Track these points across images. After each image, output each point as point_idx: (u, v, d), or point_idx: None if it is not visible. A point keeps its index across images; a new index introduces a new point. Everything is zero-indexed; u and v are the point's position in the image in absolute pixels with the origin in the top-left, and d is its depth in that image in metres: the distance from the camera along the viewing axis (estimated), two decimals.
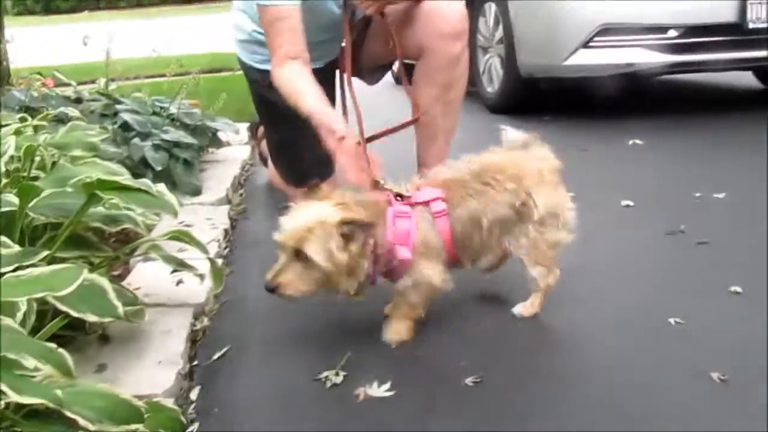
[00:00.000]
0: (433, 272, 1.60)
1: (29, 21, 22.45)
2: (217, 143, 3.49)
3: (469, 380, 1.44)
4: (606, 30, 3.98)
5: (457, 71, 2.35)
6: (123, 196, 1.47)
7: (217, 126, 3.41)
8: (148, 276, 2.01)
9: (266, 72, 2.24)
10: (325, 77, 2.48)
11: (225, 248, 2.35)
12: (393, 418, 1.34)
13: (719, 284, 1.83)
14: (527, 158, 1.74)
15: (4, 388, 1.01)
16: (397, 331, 1.65)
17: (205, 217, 2.60)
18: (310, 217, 1.50)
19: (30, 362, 1.08)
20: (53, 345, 1.14)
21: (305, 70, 2.07)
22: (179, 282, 1.97)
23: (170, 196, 1.57)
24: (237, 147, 3.86)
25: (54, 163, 1.93)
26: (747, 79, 4.90)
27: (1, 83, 3.38)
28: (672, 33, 3.95)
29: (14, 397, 1.02)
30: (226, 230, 2.49)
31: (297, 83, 2.03)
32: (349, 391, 1.43)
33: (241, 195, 3.01)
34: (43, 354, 1.10)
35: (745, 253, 2.05)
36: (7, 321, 1.14)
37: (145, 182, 1.53)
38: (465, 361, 1.52)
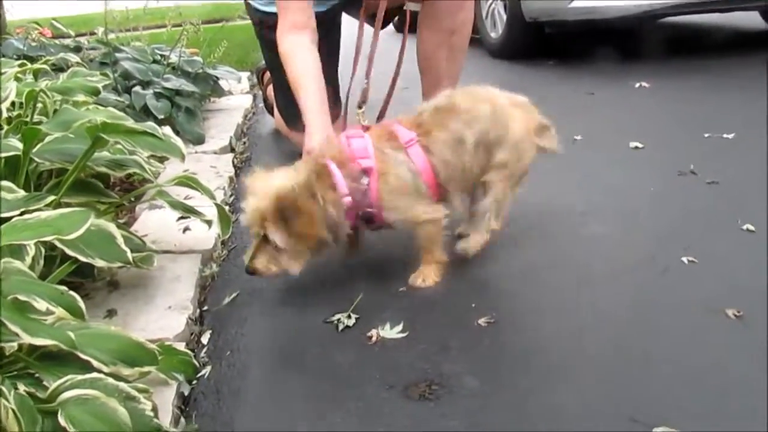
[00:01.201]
0: (415, 207, 1.58)
1: None
2: (219, 92, 3.45)
3: (482, 320, 1.43)
4: None
5: (461, 15, 2.30)
6: (129, 139, 1.44)
7: (219, 74, 3.37)
8: (154, 223, 2.00)
9: (272, 14, 2.20)
10: (329, 20, 2.44)
11: (230, 196, 2.33)
12: (406, 359, 1.33)
13: (731, 223, 1.81)
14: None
15: (17, 329, 1.00)
16: (422, 275, 1.64)
17: (209, 165, 2.58)
18: (262, 198, 1.50)
19: (41, 304, 1.06)
20: (64, 288, 1.13)
21: (311, 47, 2.05)
22: (186, 229, 1.96)
23: (177, 139, 1.55)
24: (239, 96, 3.82)
25: (56, 110, 1.90)
26: (751, 19, 4.82)
27: (2, 30, 3.32)
28: None
29: (27, 339, 1.01)
30: (230, 178, 2.47)
31: (298, 65, 2.01)
32: (362, 333, 1.42)
33: (244, 143, 2.98)
34: (54, 296, 1.09)
35: (755, 192, 2.03)
36: (16, 264, 1.13)
37: (150, 125, 1.50)
38: (476, 302, 1.51)
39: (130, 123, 1.52)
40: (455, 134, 1.59)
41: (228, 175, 2.47)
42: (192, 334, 1.52)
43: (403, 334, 1.41)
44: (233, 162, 2.66)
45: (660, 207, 1.99)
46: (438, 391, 1.23)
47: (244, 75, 3.84)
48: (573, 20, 4.16)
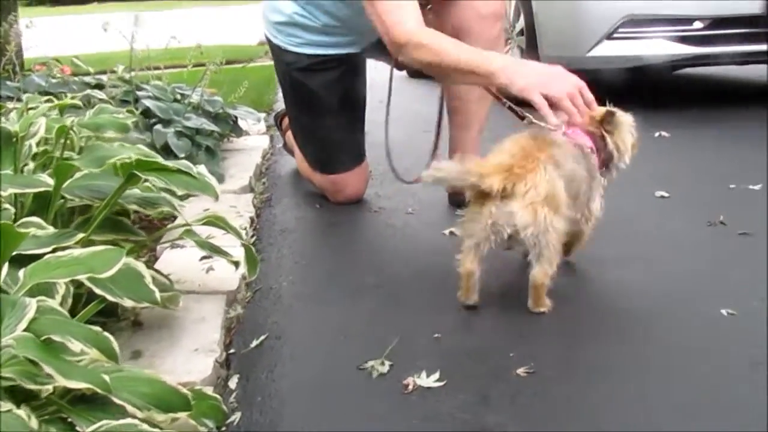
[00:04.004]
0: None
1: (38, 12, 22.35)
2: (238, 132, 3.44)
3: (521, 370, 1.39)
4: (630, 21, 3.93)
5: None
6: (162, 176, 1.41)
7: (238, 114, 3.37)
8: (177, 263, 1.96)
9: (303, 55, 2.21)
10: (358, 64, 2.44)
11: (252, 236, 2.30)
12: (446, 410, 1.28)
13: (766, 275, 1.78)
14: None
15: (52, 371, 0.96)
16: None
17: (229, 205, 2.55)
18: None
19: (76, 345, 1.03)
20: (98, 328, 1.09)
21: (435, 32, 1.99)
22: (209, 269, 1.92)
23: (211, 178, 1.52)
24: (256, 136, 3.82)
25: (81, 147, 1.88)
26: (761, 73, 4.84)
27: (21, 67, 3.32)
28: (697, 24, 3.89)
29: (62, 382, 0.97)
30: (251, 218, 2.44)
31: (442, 41, 1.94)
32: (397, 381, 1.37)
33: (264, 183, 2.96)
34: (89, 337, 1.05)
35: None
36: (50, 302, 1.09)
37: (185, 163, 1.48)
38: (514, 352, 1.46)
39: (162, 161, 1.50)
40: None
41: (249, 215, 2.44)
42: (219, 378, 1.47)
43: (441, 383, 1.36)
44: (253, 202, 2.63)
45: (694, 257, 1.96)
46: None
47: (262, 116, 3.84)
48: (590, 68, 4.18)
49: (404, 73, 5.61)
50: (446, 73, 1.95)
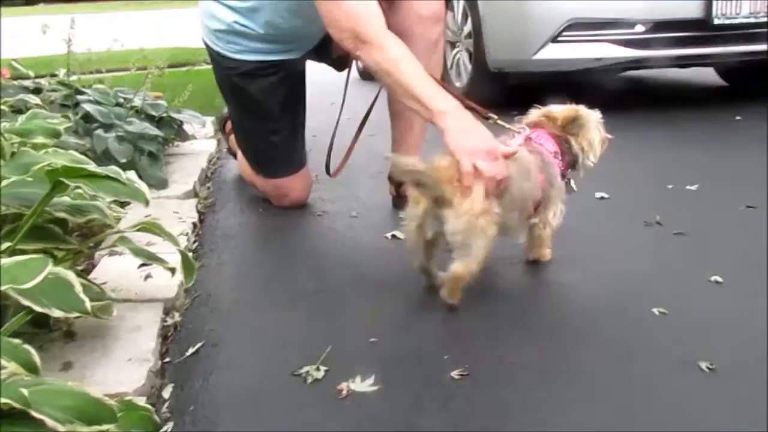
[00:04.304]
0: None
1: None
2: (183, 136, 3.40)
3: (455, 373, 1.39)
4: (574, 24, 3.99)
5: (434, 57, 2.31)
6: (91, 183, 1.39)
7: (183, 118, 3.32)
8: (113, 270, 1.93)
9: (243, 61, 2.19)
10: (299, 68, 2.43)
11: (194, 242, 2.28)
12: (380, 414, 1.28)
13: (699, 274, 1.81)
14: None
15: None
16: None
17: (172, 211, 2.52)
18: None
19: None
20: (18, 341, 1.06)
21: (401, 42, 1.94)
22: (147, 276, 1.89)
23: (141, 184, 1.50)
24: (203, 140, 3.77)
25: (14, 153, 1.84)
26: (705, 75, 4.95)
27: None
28: (639, 28, 3.97)
29: None
30: (194, 224, 2.41)
31: (404, 56, 1.90)
32: (332, 386, 1.37)
33: (208, 188, 2.93)
34: (7, 350, 1.03)
35: (721, 243, 2.05)
36: None
37: (114, 169, 1.45)
38: (449, 354, 1.47)
39: (91, 167, 1.47)
40: None
41: (191, 220, 2.41)
42: (153, 387, 1.45)
43: (375, 388, 1.36)
44: (197, 207, 2.60)
45: (628, 257, 1.99)
46: None
47: (209, 119, 3.79)
48: (537, 71, 4.23)
49: (356, 75, 5.63)
50: (392, 86, 1.93)
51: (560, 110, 1.89)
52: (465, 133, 1.70)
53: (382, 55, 1.89)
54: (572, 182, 1.95)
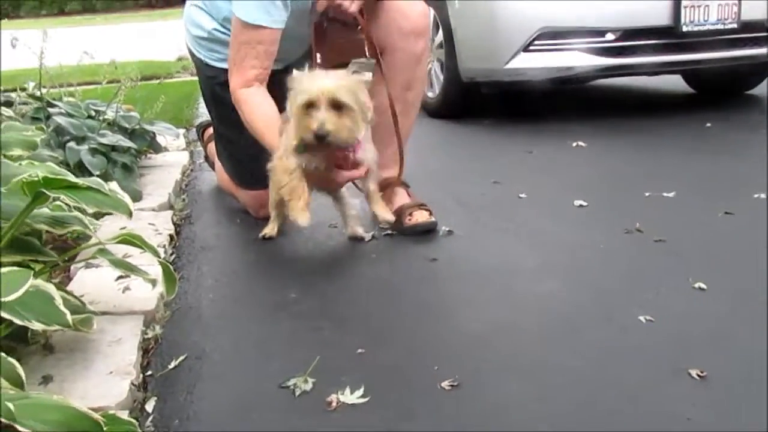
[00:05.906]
0: None
1: None
2: (157, 148, 3.35)
3: (445, 384, 1.38)
4: (545, 33, 4.01)
5: (417, 71, 2.31)
6: (72, 194, 1.36)
7: (156, 130, 3.28)
8: (91, 283, 1.89)
9: (224, 70, 2.17)
10: (280, 79, 2.41)
11: (171, 254, 2.24)
12: (370, 427, 1.26)
13: (683, 281, 1.83)
14: None
15: None
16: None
17: (148, 223, 2.48)
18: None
19: None
20: (2, 354, 1.03)
21: (268, 96, 2.18)
22: (126, 289, 1.85)
23: (123, 195, 1.47)
24: (176, 152, 3.73)
25: None
26: (675, 83, 5.02)
27: None
28: (609, 36, 4.01)
29: None
30: (171, 236, 2.38)
31: (262, 115, 2.17)
32: (320, 398, 1.35)
33: (184, 200, 2.89)
34: None
35: (701, 250, 2.06)
36: None
37: (96, 180, 1.42)
38: (438, 365, 1.46)
39: (72, 178, 1.44)
40: None
41: (168, 232, 2.38)
42: (135, 401, 1.42)
43: (364, 399, 1.34)
44: (173, 219, 2.57)
45: (612, 265, 2.00)
46: None
47: (181, 131, 3.76)
48: (508, 80, 4.25)
49: None
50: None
51: None
52: None
53: (241, 108, 2.20)
54: None
